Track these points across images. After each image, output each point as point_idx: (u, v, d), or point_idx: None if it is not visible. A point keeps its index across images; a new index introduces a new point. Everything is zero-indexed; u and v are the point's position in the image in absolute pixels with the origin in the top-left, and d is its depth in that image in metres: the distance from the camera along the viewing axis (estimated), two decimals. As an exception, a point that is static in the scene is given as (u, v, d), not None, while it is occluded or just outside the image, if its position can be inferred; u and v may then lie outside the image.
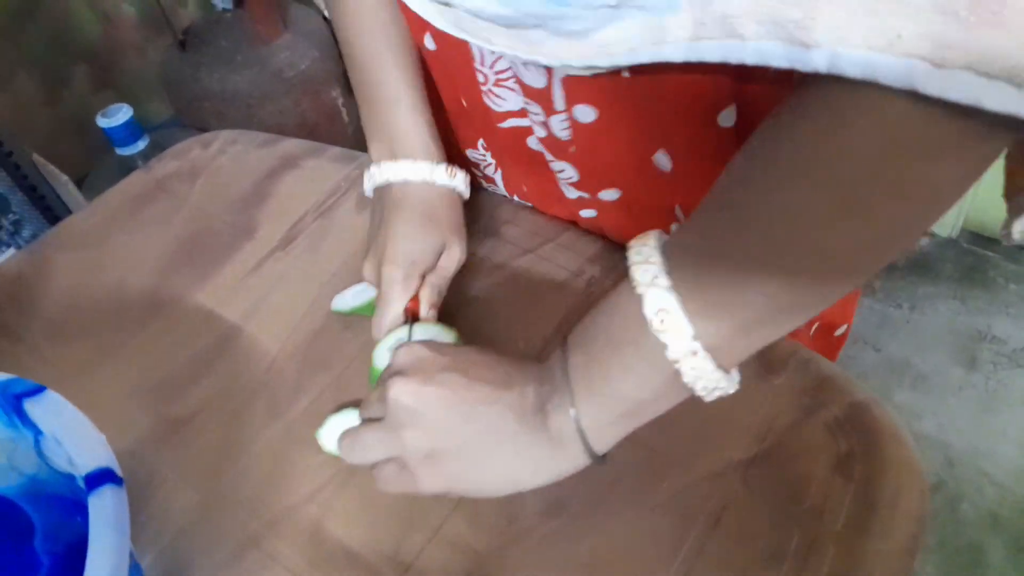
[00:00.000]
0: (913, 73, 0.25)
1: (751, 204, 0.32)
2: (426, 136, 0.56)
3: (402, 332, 0.52)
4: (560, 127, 0.52)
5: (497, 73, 0.52)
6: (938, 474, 1.32)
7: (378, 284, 0.54)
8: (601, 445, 0.38)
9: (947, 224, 1.63)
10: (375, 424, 0.43)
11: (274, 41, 1.51)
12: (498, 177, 0.68)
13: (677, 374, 0.35)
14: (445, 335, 0.52)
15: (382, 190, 0.56)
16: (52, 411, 0.42)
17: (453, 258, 0.56)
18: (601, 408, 0.37)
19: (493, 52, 0.49)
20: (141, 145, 1.34)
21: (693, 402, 0.50)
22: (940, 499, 1.30)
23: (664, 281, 0.33)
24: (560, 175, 0.58)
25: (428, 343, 0.44)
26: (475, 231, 0.65)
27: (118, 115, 1.31)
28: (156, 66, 1.66)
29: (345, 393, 0.55)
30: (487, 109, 0.56)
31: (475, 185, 0.70)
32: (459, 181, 0.57)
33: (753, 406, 0.51)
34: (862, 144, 0.28)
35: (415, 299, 0.54)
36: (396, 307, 0.53)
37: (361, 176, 0.71)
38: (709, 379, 0.35)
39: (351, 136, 1.72)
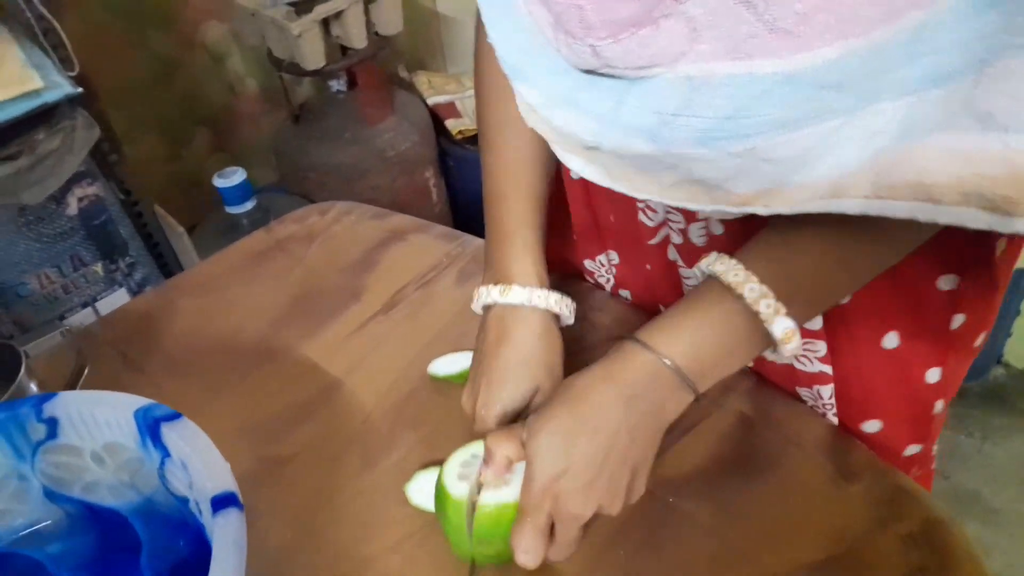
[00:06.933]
0: None
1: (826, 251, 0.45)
2: (530, 270, 0.58)
3: (475, 448, 0.53)
4: (697, 235, 0.57)
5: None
6: (1009, 618, 1.25)
7: (471, 419, 0.57)
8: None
9: (1023, 356, 1.59)
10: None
11: (380, 123, 1.63)
12: (608, 286, 0.73)
13: (775, 352, 0.47)
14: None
15: (488, 313, 0.59)
16: (186, 436, 0.47)
17: (542, 398, 0.57)
18: (709, 380, 0.47)
19: None
20: (248, 206, 1.45)
21: (768, 498, 0.52)
22: (1010, 646, 1.22)
23: (783, 308, 0.44)
24: (687, 282, 0.62)
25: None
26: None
27: (233, 177, 1.42)
28: (268, 135, 1.81)
29: (434, 451, 0.58)
30: (639, 227, 0.61)
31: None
32: (555, 303, 0.57)
33: (827, 510, 0.52)
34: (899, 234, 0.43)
35: None
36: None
37: (462, 254, 0.77)
38: (798, 349, 0.46)
39: (437, 214, 1.82)
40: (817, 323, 0.55)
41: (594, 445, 0.45)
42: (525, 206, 0.60)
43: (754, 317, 0.44)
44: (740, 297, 0.44)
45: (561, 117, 0.51)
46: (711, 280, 0.46)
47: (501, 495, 0.48)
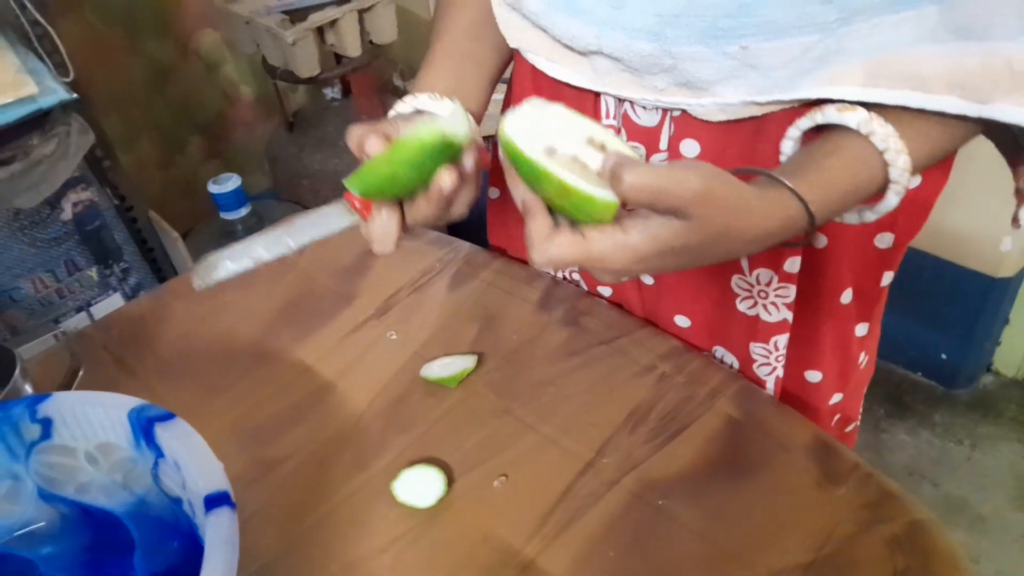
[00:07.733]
0: None
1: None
2: (433, 84, 0.58)
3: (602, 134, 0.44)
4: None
5: (622, 124, 0.58)
6: (997, 625, 1.26)
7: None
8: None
9: (1012, 365, 1.61)
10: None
11: (374, 130, 1.64)
12: None
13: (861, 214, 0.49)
14: None
15: None
16: (179, 437, 0.47)
17: None
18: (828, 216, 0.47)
19: (620, 100, 0.56)
20: (243, 212, 1.46)
21: (755, 501, 0.52)
22: (998, 653, 1.23)
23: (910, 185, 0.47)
24: None
25: None
26: (554, 319, 0.70)
27: (227, 183, 1.43)
28: (262, 143, 1.82)
29: (426, 453, 0.59)
30: None
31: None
32: (439, 104, 0.56)
33: (815, 513, 0.53)
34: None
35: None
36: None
37: (455, 259, 0.78)
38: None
39: (430, 222, 1.83)
40: (795, 265, 0.58)
41: (693, 261, 0.43)
42: (446, 50, 0.60)
43: (886, 186, 0.45)
44: (887, 165, 0.44)
45: (563, 22, 0.53)
46: (863, 142, 0.45)
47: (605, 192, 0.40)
